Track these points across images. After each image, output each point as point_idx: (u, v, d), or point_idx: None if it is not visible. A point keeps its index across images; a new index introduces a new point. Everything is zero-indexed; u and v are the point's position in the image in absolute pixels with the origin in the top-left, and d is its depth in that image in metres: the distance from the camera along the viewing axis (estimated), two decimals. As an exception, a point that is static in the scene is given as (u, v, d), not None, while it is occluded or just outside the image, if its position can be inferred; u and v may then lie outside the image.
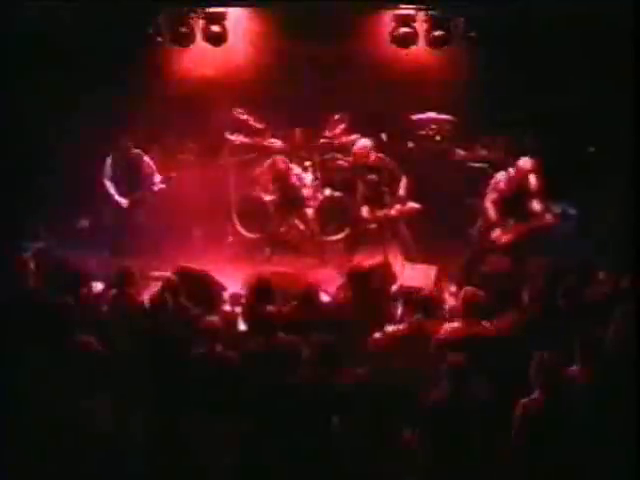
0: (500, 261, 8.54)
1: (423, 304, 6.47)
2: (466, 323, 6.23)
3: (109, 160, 9.16)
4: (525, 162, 8.42)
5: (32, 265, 7.52)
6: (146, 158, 9.26)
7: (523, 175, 8.37)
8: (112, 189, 9.15)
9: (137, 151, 9.24)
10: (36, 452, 5.47)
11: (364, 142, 9.10)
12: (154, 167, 9.27)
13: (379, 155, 9.06)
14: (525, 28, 8.98)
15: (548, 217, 8.30)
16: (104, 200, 9.24)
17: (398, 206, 8.87)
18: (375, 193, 8.96)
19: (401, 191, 8.94)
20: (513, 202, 8.41)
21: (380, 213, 8.89)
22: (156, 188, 9.21)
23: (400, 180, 8.98)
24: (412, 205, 8.90)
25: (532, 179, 8.37)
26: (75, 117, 9.37)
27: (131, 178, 9.19)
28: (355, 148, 9.14)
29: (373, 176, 8.94)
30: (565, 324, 6.17)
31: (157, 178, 9.23)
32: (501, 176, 8.54)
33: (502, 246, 8.37)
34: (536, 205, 8.34)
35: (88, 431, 5.48)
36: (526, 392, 5.41)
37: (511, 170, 8.48)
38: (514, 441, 5.32)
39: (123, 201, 9.15)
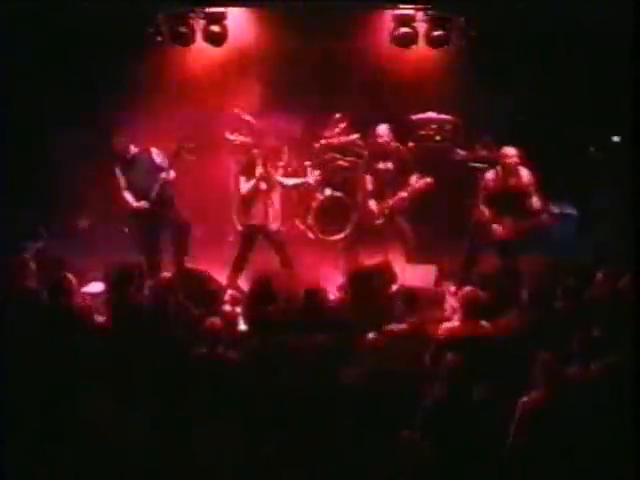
0: (500, 261, 8.56)
1: (423, 304, 6.47)
2: (466, 323, 6.24)
3: (118, 171, 8.64)
4: (509, 150, 8.36)
5: (32, 265, 7.52)
6: (153, 149, 8.77)
7: (509, 165, 8.30)
8: (131, 198, 8.64)
9: (138, 150, 8.80)
10: (36, 452, 5.47)
11: (385, 127, 9.01)
12: (163, 156, 8.77)
13: (396, 144, 9.00)
14: (525, 28, 8.98)
15: (545, 217, 8.26)
16: (124, 209, 8.74)
17: (411, 187, 8.73)
18: (384, 184, 8.89)
19: (413, 180, 8.86)
20: (507, 199, 8.38)
21: (386, 204, 8.82)
22: (172, 174, 8.68)
23: (412, 173, 8.89)
24: (426, 180, 8.75)
25: (525, 174, 8.32)
26: (75, 117, 9.37)
27: (146, 177, 8.66)
28: (377, 131, 8.98)
29: (388, 164, 8.88)
30: (565, 324, 6.17)
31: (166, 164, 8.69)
32: (490, 175, 8.51)
33: (499, 241, 8.36)
34: (536, 202, 8.31)
35: (88, 431, 5.47)
36: (526, 392, 5.41)
37: (498, 168, 8.46)
38: (513, 440, 5.32)
39: (143, 204, 8.59)
